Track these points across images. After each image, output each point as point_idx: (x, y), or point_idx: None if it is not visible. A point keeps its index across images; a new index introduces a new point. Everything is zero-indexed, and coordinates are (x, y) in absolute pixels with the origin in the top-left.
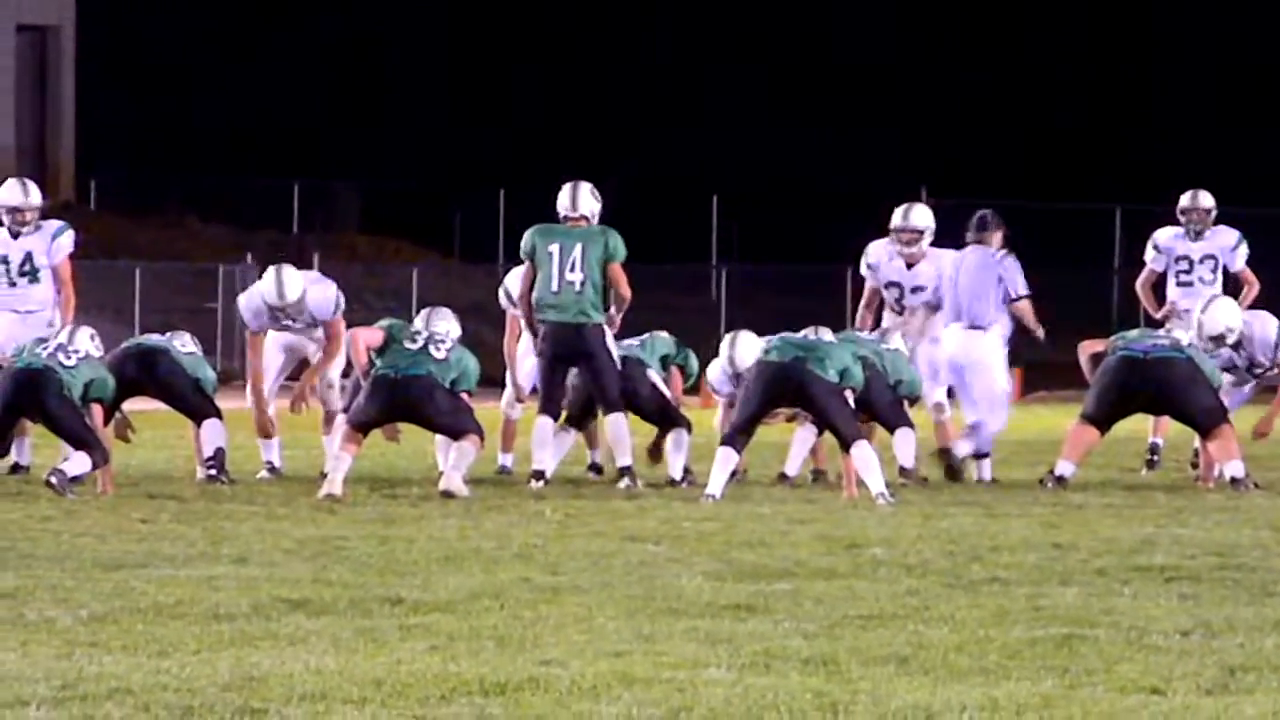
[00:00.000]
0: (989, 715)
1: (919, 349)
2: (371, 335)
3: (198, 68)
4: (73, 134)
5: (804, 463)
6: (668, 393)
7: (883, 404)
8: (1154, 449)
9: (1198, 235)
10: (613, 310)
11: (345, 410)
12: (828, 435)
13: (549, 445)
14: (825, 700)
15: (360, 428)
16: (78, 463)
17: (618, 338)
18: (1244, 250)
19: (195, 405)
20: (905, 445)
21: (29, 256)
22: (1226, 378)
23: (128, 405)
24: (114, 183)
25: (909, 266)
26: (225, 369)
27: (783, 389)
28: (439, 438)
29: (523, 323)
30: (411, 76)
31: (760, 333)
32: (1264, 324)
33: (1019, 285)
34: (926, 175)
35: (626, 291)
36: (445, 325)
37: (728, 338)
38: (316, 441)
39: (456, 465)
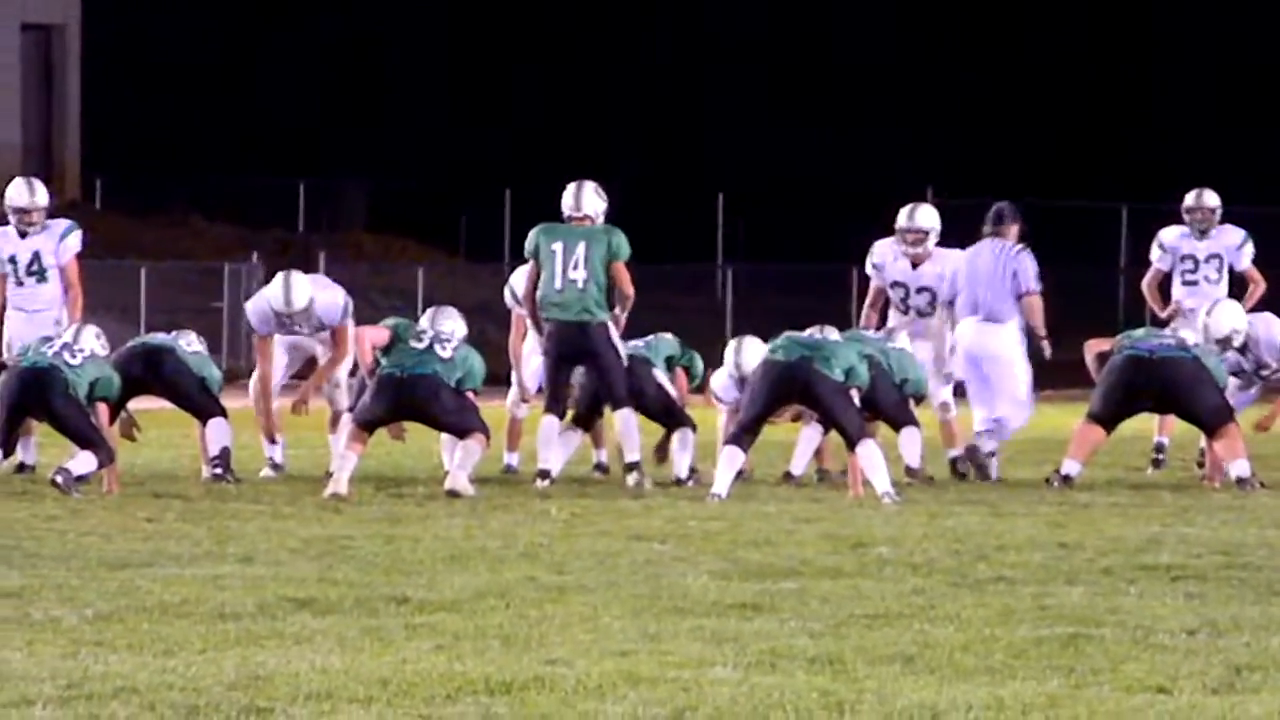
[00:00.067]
0: (995, 715)
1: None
2: (377, 334)
3: (203, 66)
4: (78, 133)
5: (809, 462)
6: (673, 392)
7: (888, 403)
8: (1160, 448)
9: (1203, 234)
10: (617, 310)
11: (351, 409)
12: (833, 434)
13: (554, 444)
14: (831, 699)
15: (366, 427)
16: (83, 462)
17: (622, 338)
18: (1250, 249)
19: (201, 404)
20: (911, 444)
21: (37, 256)
22: (1233, 381)
23: (133, 404)
24: (119, 182)
25: (914, 266)
26: (231, 368)
27: (789, 388)
28: (444, 437)
29: (528, 322)
30: (415, 76)
31: (766, 332)
32: (1269, 325)
33: (1031, 280)
34: (933, 174)
35: (630, 290)
36: (451, 324)
37: (733, 343)
38: (322, 441)
39: (462, 464)
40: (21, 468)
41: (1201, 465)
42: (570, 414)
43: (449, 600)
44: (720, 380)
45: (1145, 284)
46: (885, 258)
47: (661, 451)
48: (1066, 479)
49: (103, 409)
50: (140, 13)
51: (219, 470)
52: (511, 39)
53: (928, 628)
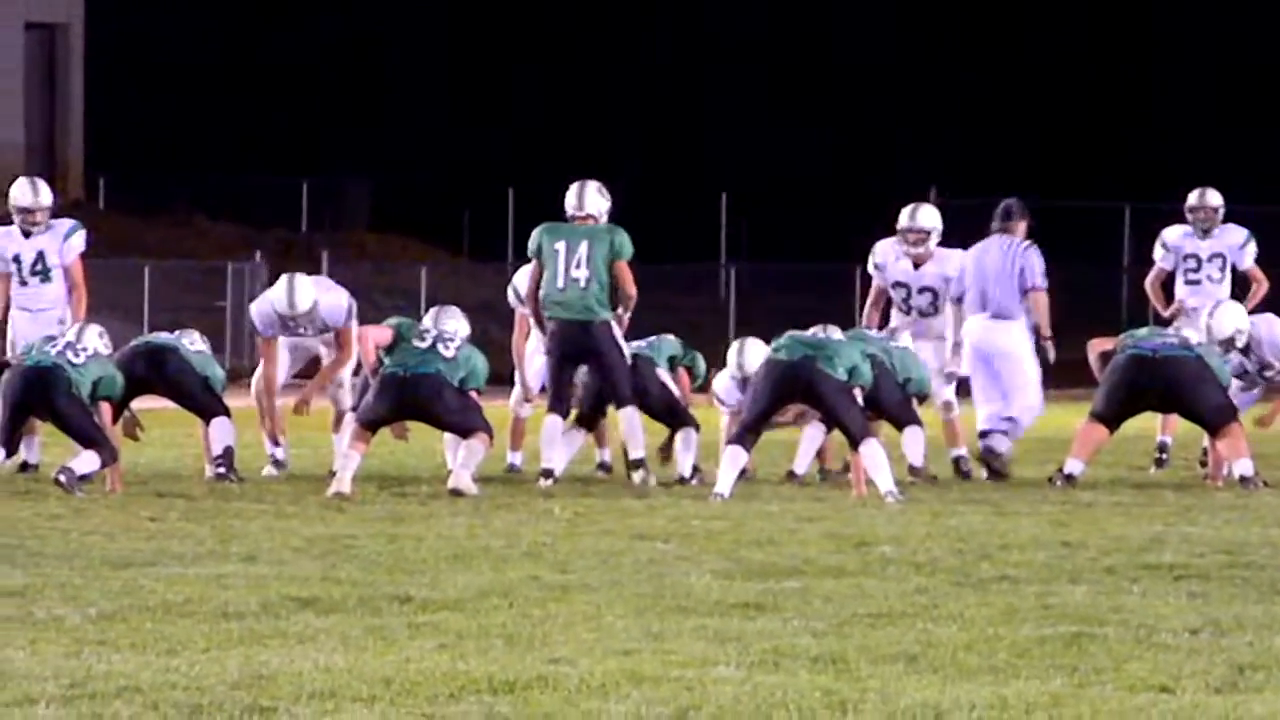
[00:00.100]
0: (998, 714)
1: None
2: (380, 334)
3: (206, 66)
4: (81, 132)
5: (812, 461)
6: (676, 391)
7: (891, 402)
8: (1163, 447)
9: (1206, 233)
10: (620, 310)
11: (354, 409)
12: (834, 433)
13: (558, 444)
14: (834, 698)
15: (369, 426)
16: (86, 461)
17: (625, 338)
18: (1253, 248)
19: (204, 404)
20: (914, 443)
21: (41, 256)
22: (1235, 382)
23: (136, 403)
24: (123, 181)
25: (916, 267)
26: (234, 367)
27: (792, 387)
28: (448, 436)
29: (531, 321)
30: (415, 76)
31: (769, 331)
32: (1271, 326)
33: (1037, 276)
34: (935, 174)
35: (632, 290)
36: (454, 324)
37: (735, 345)
38: (325, 440)
39: (465, 463)
40: (25, 467)
41: (1204, 464)
42: (574, 414)
43: (452, 599)
44: (723, 383)
45: (1148, 283)
46: (887, 258)
47: (666, 451)
48: (1070, 478)
49: (106, 408)
50: (143, 12)
51: (222, 469)
52: (511, 39)
53: (931, 627)
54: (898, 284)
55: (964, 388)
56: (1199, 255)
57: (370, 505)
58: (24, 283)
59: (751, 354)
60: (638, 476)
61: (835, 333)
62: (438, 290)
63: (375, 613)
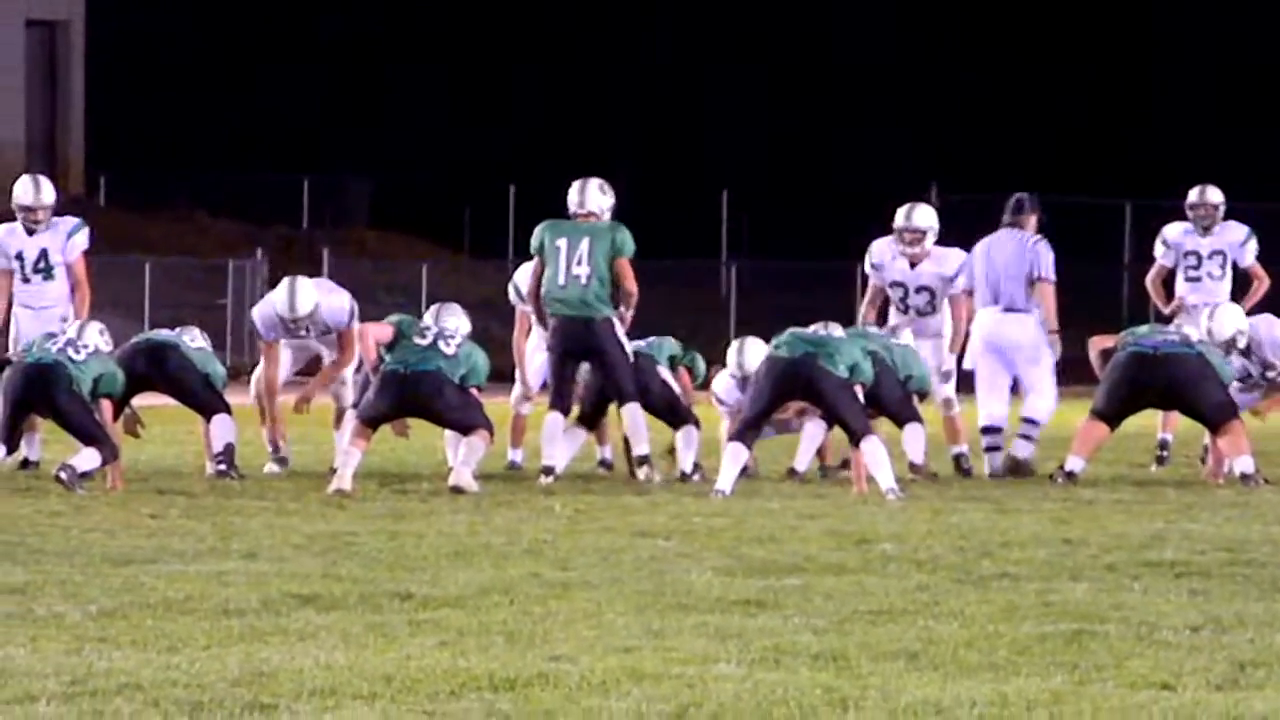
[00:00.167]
0: (999, 711)
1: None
2: (381, 331)
3: (207, 63)
4: (82, 129)
5: (813, 458)
6: (677, 388)
7: (892, 399)
8: (1163, 445)
9: (1206, 230)
10: (622, 308)
11: (355, 406)
12: (836, 430)
13: (559, 441)
14: (835, 695)
15: (370, 423)
16: (87, 458)
17: (627, 337)
18: (1253, 245)
19: (205, 401)
20: (915, 441)
21: (44, 254)
22: (1237, 383)
23: (137, 400)
24: (123, 178)
25: (912, 266)
26: (235, 364)
27: (792, 384)
28: (448, 433)
29: (532, 319)
30: (415, 76)
31: (770, 329)
32: (1270, 326)
33: (1046, 268)
34: (936, 171)
35: (633, 287)
36: (455, 321)
37: (735, 344)
38: (326, 437)
39: (466, 460)
40: (26, 464)
41: (1205, 462)
42: (575, 413)
43: (453, 596)
44: (723, 382)
45: (1149, 280)
46: (884, 257)
47: (674, 453)
48: (1070, 475)
49: (107, 405)
50: (144, 9)
51: (223, 466)
52: (511, 39)
53: (932, 624)
54: (895, 283)
55: (965, 385)
56: (1199, 252)
57: (371, 502)
58: (27, 280)
59: (751, 353)
60: (643, 473)
61: (836, 330)
62: (438, 287)
63: (376, 610)
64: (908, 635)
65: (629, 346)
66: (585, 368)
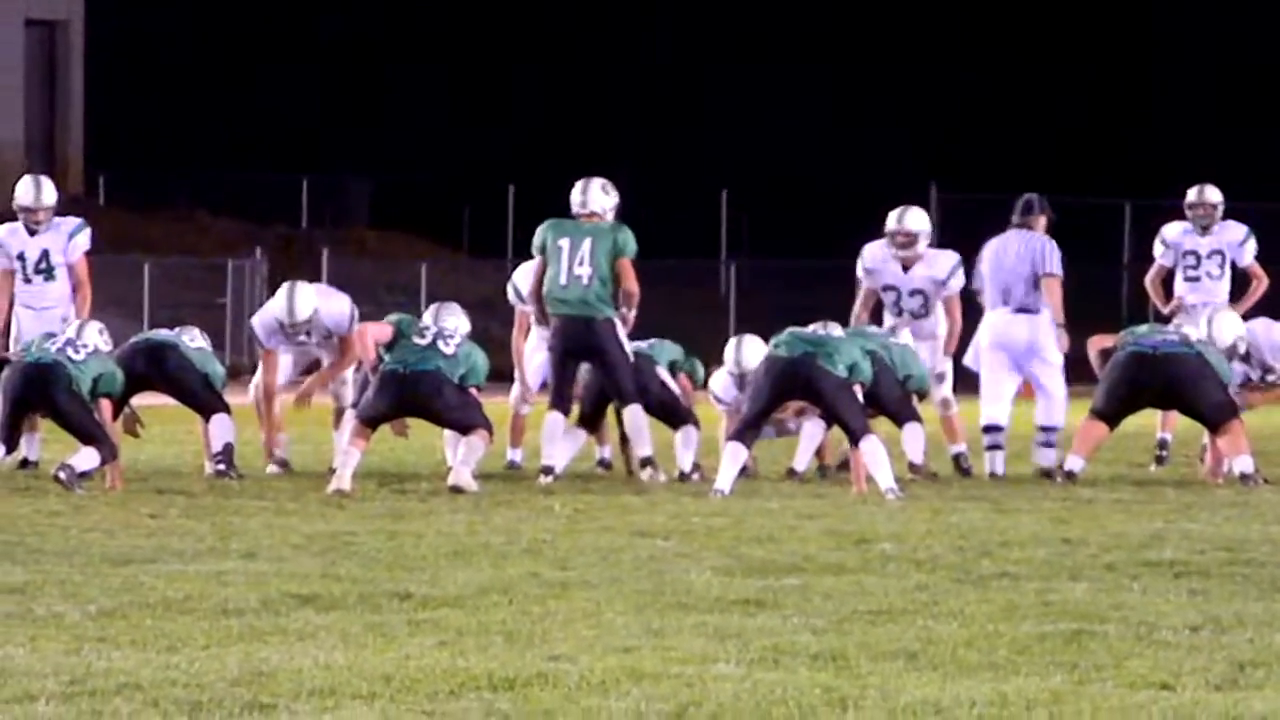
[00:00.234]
0: (998, 711)
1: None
2: (380, 331)
3: (206, 62)
4: (82, 129)
5: (812, 458)
6: (676, 389)
7: (892, 399)
8: (1163, 444)
9: (1205, 230)
10: (624, 309)
11: (354, 405)
12: (834, 430)
13: (559, 441)
14: (834, 695)
15: (369, 423)
16: (86, 458)
17: (629, 337)
18: (1252, 245)
19: (204, 400)
20: (914, 440)
21: (45, 254)
22: (1236, 386)
23: (136, 400)
24: (123, 177)
25: (905, 269)
26: (234, 364)
27: (791, 384)
28: (448, 433)
29: (532, 318)
30: (415, 76)
31: (769, 328)
32: (1269, 329)
33: (1053, 263)
34: (936, 171)
35: (634, 287)
36: (454, 320)
37: (733, 342)
38: (325, 437)
39: (465, 460)
40: (25, 463)
41: (1204, 461)
42: (575, 413)
43: (452, 596)
44: (720, 380)
45: (1148, 280)
46: (876, 261)
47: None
48: (1070, 475)
49: (106, 405)
50: (143, 9)
51: (222, 466)
52: (511, 39)
53: (931, 624)
54: (888, 287)
55: (964, 384)
56: (1198, 252)
57: (370, 502)
58: (28, 280)
59: (749, 351)
60: (646, 474)
61: (835, 329)
62: (438, 287)
63: (375, 610)
64: (907, 635)
65: (629, 347)
66: (585, 368)
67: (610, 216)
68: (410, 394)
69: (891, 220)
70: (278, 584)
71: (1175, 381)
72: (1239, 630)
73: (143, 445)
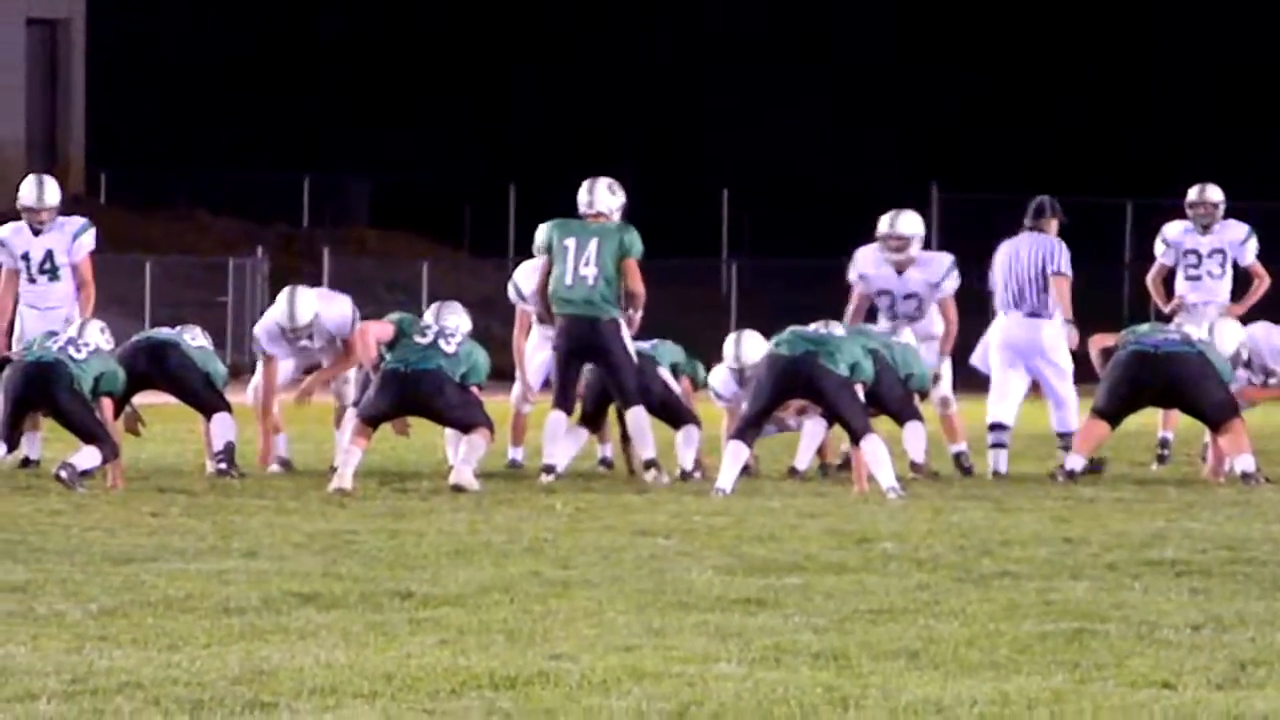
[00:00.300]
0: (999, 710)
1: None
2: (382, 329)
3: (207, 61)
4: (83, 128)
5: (813, 457)
6: (677, 389)
7: (893, 398)
8: (1164, 443)
9: (1206, 229)
10: (630, 310)
11: (356, 404)
12: (836, 428)
13: (561, 440)
14: (835, 695)
15: (370, 422)
16: (88, 457)
17: (633, 338)
18: (1253, 244)
19: (205, 399)
20: (915, 439)
21: (49, 255)
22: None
23: (138, 399)
24: (124, 176)
25: (899, 273)
26: (235, 362)
27: (793, 383)
28: (449, 432)
29: (533, 317)
30: (418, 75)
31: (770, 327)
32: (1268, 333)
33: (1062, 262)
34: (937, 170)
35: (640, 288)
36: (455, 319)
37: (731, 337)
38: (326, 435)
39: (466, 459)
40: (26, 462)
41: (1206, 460)
42: (577, 413)
43: (453, 595)
44: (719, 376)
45: (1149, 279)
46: (869, 267)
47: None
48: (1071, 474)
49: (107, 404)
50: (144, 8)
51: (223, 465)
52: (511, 39)
53: (932, 623)
54: (882, 292)
55: (969, 384)
56: (1199, 251)
57: (371, 501)
58: (32, 280)
59: (748, 346)
60: (650, 475)
61: (837, 328)
62: (439, 286)
63: (376, 608)
64: (908, 634)
65: (633, 349)
66: (587, 367)
67: (616, 216)
68: (412, 393)
69: (884, 224)
70: (279, 582)
71: (1177, 380)
72: (1240, 629)
73: (144, 444)
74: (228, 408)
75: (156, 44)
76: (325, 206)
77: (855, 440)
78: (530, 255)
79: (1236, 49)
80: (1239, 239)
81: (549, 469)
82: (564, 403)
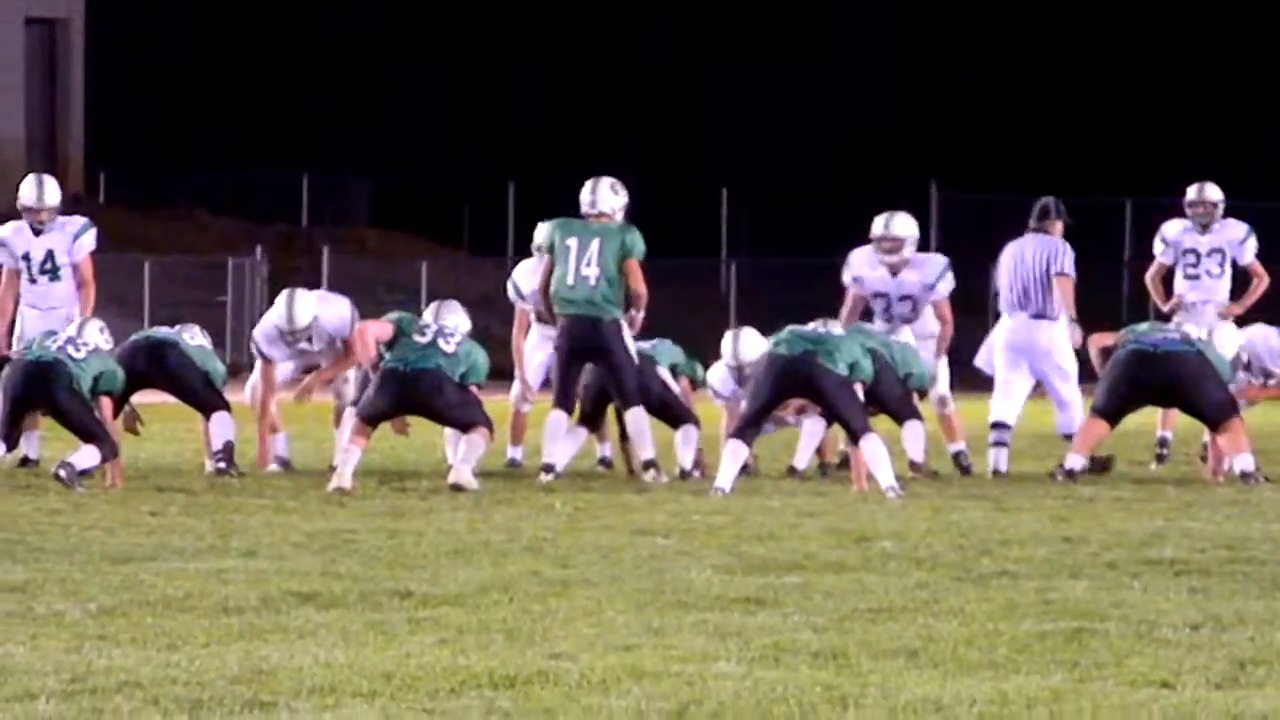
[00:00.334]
0: (998, 709)
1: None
2: (381, 329)
3: (206, 60)
4: (82, 127)
5: (812, 456)
6: (676, 388)
7: (892, 397)
8: (1163, 442)
9: (1205, 228)
10: (633, 311)
11: (355, 403)
12: (834, 427)
13: (561, 439)
14: (835, 693)
15: (370, 421)
16: (87, 456)
17: (635, 338)
18: (1252, 243)
19: (204, 398)
20: (915, 438)
21: (50, 255)
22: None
23: (137, 398)
24: (123, 176)
25: (894, 274)
26: (234, 362)
27: (792, 382)
28: (448, 431)
29: (532, 316)
30: (418, 75)
31: (770, 326)
32: (1265, 336)
33: (1065, 263)
34: (936, 169)
35: (642, 289)
36: (454, 318)
37: (729, 334)
38: (325, 435)
39: (466, 458)
40: (25, 461)
41: (1205, 459)
42: (576, 413)
43: (452, 594)
44: (717, 374)
45: (1148, 278)
46: (863, 269)
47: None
48: (1070, 473)
49: (106, 403)
50: (144, 7)
51: (222, 464)
52: (511, 39)
53: (931, 622)
54: (878, 294)
55: (975, 384)
56: (1198, 250)
57: (370, 500)
58: (33, 280)
59: (745, 343)
60: (649, 476)
61: (836, 327)
62: (438, 285)
63: (375, 608)
64: (907, 633)
65: (634, 350)
66: (587, 368)
67: (619, 216)
68: (411, 392)
69: (878, 225)
70: (278, 582)
71: (1176, 380)
72: (1239, 628)
73: (143, 443)
74: (227, 407)
75: (155, 43)
76: (324, 206)
77: (854, 439)
78: (530, 255)
79: (1236, 49)
80: (1238, 238)
81: (548, 468)
82: (565, 402)
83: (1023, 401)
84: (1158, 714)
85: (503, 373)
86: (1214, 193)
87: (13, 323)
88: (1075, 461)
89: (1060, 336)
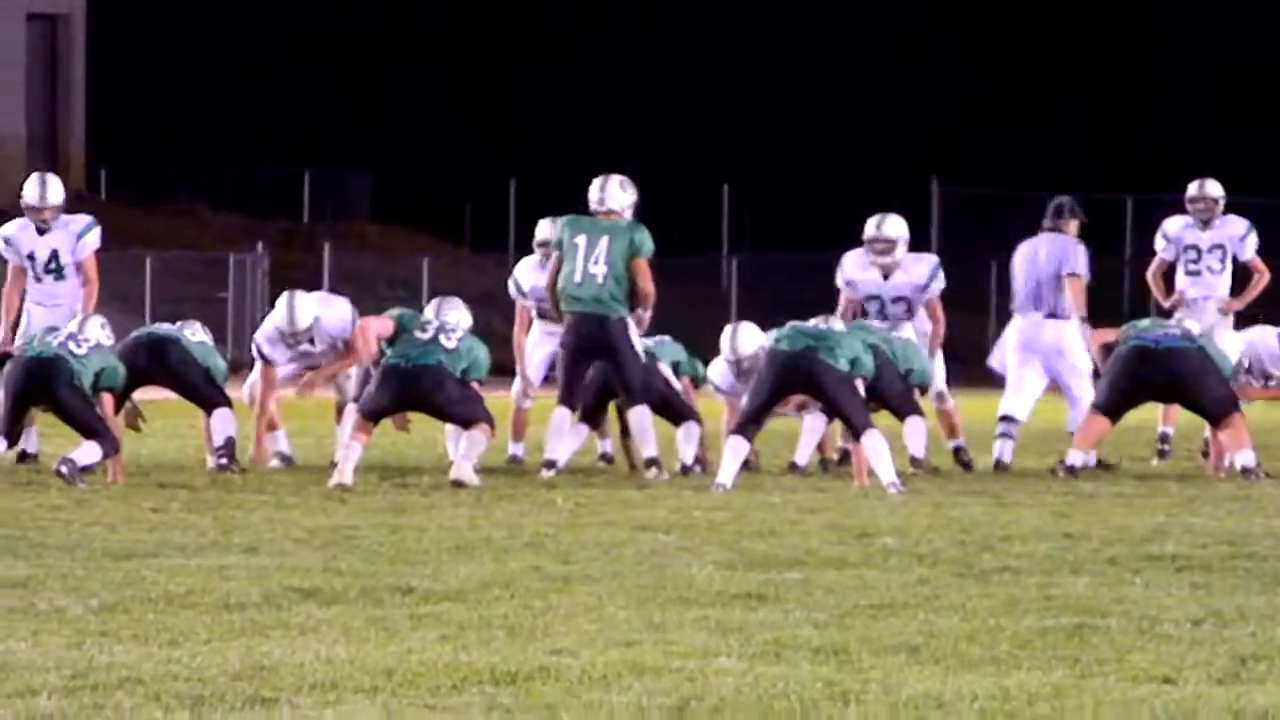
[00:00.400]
0: (1000, 705)
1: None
2: (382, 325)
3: (208, 56)
4: (83, 123)
5: (814, 452)
6: (678, 385)
7: (893, 393)
8: (1164, 438)
9: (1206, 224)
10: (640, 310)
11: (356, 400)
12: (835, 423)
13: (564, 436)
14: (836, 689)
15: (371, 417)
16: (88, 452)
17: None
18: (1253, 239)
19: (206, 395)
20: (916, 434)
21: (54, 254)
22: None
23: (138, 394)
24: (124, 172)
25: (886, 276)
26: (235, 358)
27: (793, 378)
28: (449, 427)
29: (533, 312)
30: (418, 75)
31: (771, 322)
32: (1265, 338)
33: (1077, 263)
34: (937, 164)
35: (650, 288)
36: (456, 315)
37: (728, 329)
38: (327, 431)
39: (467, 454)
40: (25, 457)
41: (1206, 455)
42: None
43: (454, 590)
44: (717, 369)
45: (1149, 274)
46: (856, 272)
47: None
48: (1072, 469)
49: (108, 399)
50: (145, 3)
51: (224, 460)
52: (511, 39)
53: (933, 618)
54: (871, 296)
55: (982, 382)
56: (1199, 246)
57: (372, 496)
58: (38, 279)
59: (744, 338)
60: (652, 474)
61: (837, 323)
62: (439, 281)
63: (377, 604)
64: (909, 629)
65: (640, 349)
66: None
67: (628, 214)
68: (412, 388)
69: (870, 227)
70: (279, 578)
71: (1177, 376)
72: (1241, 624)
73: (144, 439)
74: (228, 403)
75: (157, 39)
76: (326, 202)
77: (856, 435)
78: (531, 252)
79: (1236, 48)
80: (1239, 234)
81: (550, 464)
82: (569, 399)
83: (1035, 399)
84: (1159, 709)
85: (504, 369)
86: (1215, 189)
87: (18, 319)
88: (1077, 458)
89: (1072, 335)
